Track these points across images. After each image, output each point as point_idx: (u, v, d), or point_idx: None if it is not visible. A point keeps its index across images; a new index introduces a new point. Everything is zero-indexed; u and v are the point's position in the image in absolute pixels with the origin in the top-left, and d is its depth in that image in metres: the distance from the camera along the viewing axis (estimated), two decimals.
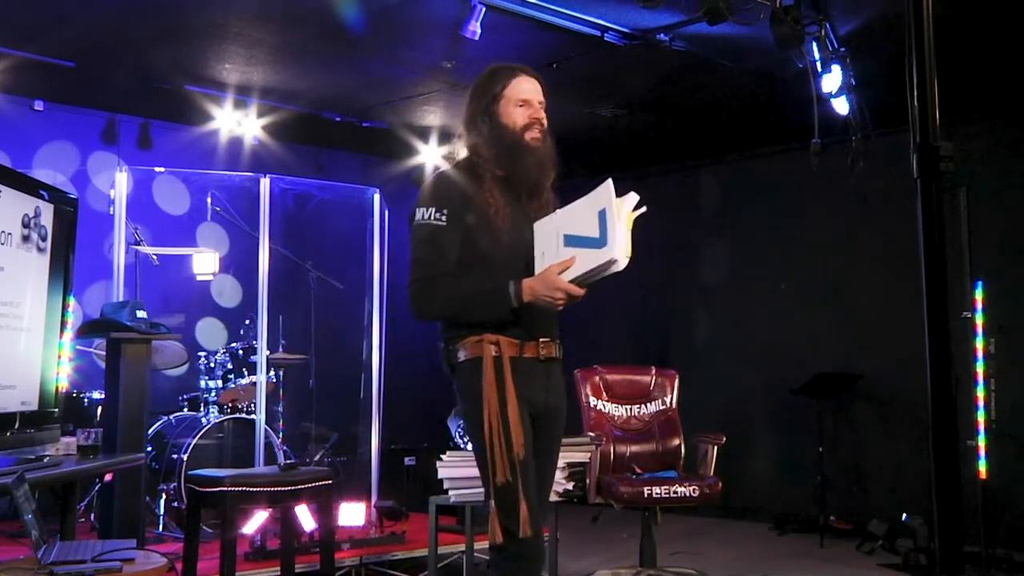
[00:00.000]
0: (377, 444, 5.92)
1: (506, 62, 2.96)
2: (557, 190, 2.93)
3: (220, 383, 5.82)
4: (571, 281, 2.66)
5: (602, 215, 2.62)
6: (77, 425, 4.37)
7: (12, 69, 5.68)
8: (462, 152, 2.93)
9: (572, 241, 2.70)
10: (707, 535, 6.50)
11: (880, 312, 6.55)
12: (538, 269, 2.75)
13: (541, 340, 2.79)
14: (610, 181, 2.65)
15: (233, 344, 6.02)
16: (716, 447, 5.30)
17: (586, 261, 2.64)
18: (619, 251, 2.58)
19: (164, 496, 5.42)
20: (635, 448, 5.46)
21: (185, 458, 5.33)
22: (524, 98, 2.85)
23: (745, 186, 7.48)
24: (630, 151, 7.57)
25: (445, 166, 2.98)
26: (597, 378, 5.57)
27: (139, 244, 5.72)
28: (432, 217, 2.73)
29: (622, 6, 4.87)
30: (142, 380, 4.49)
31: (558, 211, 2.80)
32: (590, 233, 2.64)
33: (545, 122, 2.87)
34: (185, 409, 5.94)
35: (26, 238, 3.60)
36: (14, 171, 3.76)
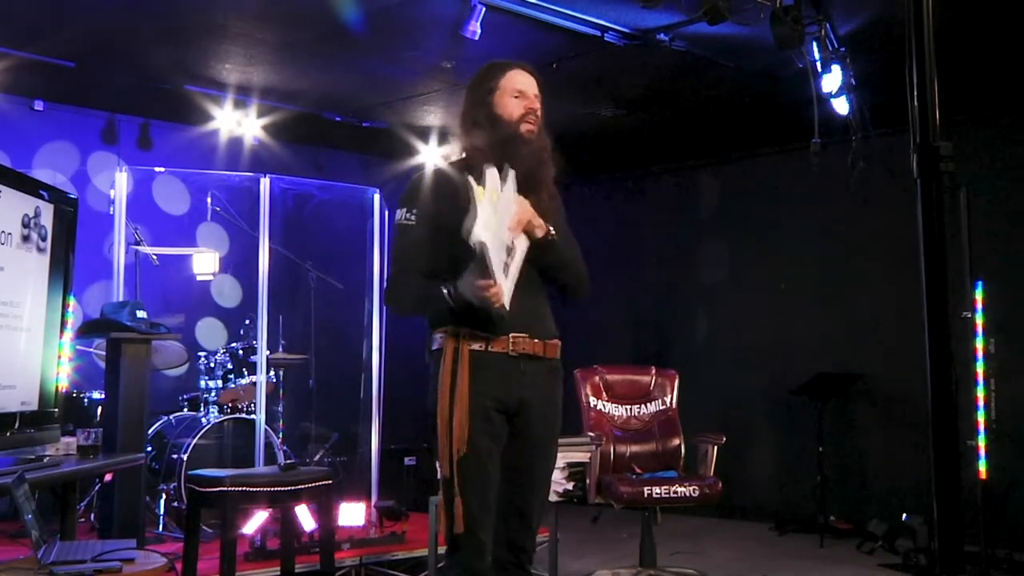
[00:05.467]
0: (377, 444, 5.92)
1: (505, 61, 2.97)
2: (559, 188, 2.91)
3: (220, 383, 5.82)
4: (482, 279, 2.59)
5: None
6: (77, 425, 4.37)
7: (12, 69, 5.67)
8: (460, 151, 2.94)
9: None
10: (707, 535, 6.50)
11: (880, 312, 6.55)
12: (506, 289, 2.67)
13: (514, 336, 2.74)
14: (492, 170, 2.64)
15: (233, 344, 6.02)
16: (716, 447, 5.30)
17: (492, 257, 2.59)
18: (477, 229, 2.50)
19: (164, 496, 5.43)
20: (635, 448, 5.46)
21: (185, 458, 5.33)
22: (520, 89, 2.85)
23: (745, 186, 7.47)
24: (630, 151, 7.55)
25: (440, 165, 3.00)
26: (597, 378, 5.57)
27: (139, 244, 5.72)
28: (403, 217, 2.81)
29: (622, 6, 4.87)
30: (142, 380, 4.50)
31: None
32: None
33: (540, 114, 2.87)
34: (185, 409, 5.94)
35: (26, 238, 3.60)
36: (14, 171, 3.76)
